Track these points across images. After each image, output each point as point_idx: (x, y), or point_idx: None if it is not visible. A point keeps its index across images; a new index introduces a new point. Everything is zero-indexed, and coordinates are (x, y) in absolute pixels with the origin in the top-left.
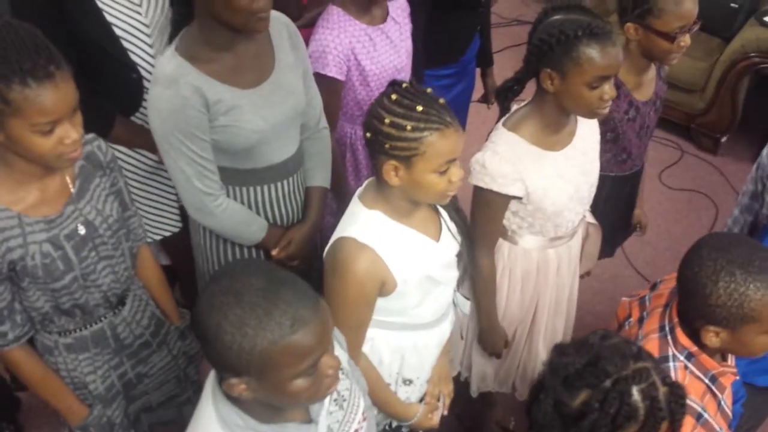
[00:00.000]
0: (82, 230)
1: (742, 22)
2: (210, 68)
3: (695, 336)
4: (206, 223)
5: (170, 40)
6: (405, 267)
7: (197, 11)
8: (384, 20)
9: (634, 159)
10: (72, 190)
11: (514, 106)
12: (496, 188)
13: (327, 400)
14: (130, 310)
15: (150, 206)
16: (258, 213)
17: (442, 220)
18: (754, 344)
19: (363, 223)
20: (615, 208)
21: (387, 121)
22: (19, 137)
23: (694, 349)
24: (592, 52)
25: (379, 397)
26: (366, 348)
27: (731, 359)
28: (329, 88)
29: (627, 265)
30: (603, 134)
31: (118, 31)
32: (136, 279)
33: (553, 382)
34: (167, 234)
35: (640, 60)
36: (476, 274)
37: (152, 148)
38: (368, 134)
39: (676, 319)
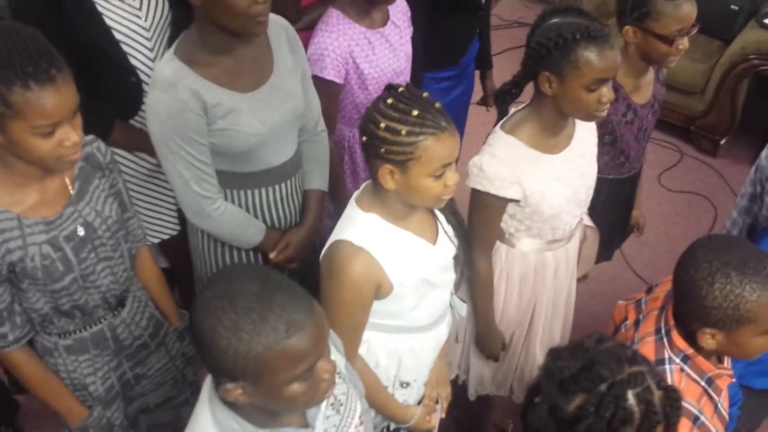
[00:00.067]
0: (81, 231)
1: (742, 24)
2: (208, 72)
3: (691, 338)
4: (204, 227)
5: (169, 44)
6: (401, 270)
7: (196, 15)
8: (384, 24)
9: (632, 162)
10: (71, 191)
11: (512, 109)
12: (493, 191)
13: (324, 404)
14: (130, 311)
15: (148, 209)
16: (256, 216)
17: (438, 223)
18: (750, 346)
19: (359, 226)
20: (613, 210)
21: (382, 125)
22: (20, 139)
23: (690, 351)
24: (590, 55)
25: (377, 400)
26: (362, 351)
27: (727, 362)
28: (328, 91)
29: (626, 267)
30: (601, 137)
31: (117, 35)
32: (135, 280)
33: (548, 386)
34: (166, 237)
35: (638, 63)
36: (474, 276)
37: (151, 151)
38: (364, 138)
39: (672, 322)
